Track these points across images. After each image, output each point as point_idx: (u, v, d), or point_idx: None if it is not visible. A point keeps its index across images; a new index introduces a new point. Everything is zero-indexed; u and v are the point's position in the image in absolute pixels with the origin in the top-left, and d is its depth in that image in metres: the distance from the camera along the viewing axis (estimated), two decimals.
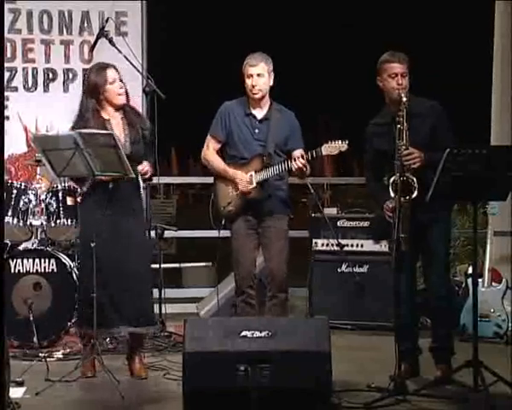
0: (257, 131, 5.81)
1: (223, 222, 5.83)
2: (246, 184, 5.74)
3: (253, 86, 5.72)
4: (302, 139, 5.88)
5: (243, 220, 5.81)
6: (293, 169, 5.65)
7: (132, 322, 5.47)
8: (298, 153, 5.75)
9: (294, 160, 5.62)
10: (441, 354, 5.48)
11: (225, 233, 5.94)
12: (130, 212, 5.50)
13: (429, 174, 4.94)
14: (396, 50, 5.45)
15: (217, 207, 5.87)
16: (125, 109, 5.57)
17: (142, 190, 5.67)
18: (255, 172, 5.75)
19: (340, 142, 5.61)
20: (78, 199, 6.10)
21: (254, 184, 5.75)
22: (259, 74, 5.72)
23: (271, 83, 5.80)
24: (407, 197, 5.14)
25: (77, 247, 6.17)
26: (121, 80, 5.52)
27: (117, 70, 5.53)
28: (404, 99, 5.21)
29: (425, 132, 5.33)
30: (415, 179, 5.15)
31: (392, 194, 5.20)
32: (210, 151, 5.90)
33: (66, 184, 6.40)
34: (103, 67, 5.52)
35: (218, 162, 5.89)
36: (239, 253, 5.83)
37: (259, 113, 5.83)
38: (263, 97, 5.80)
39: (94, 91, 5.48)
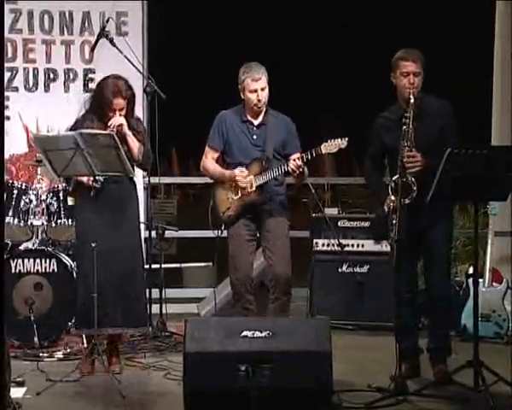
0: (255, 137, 5.84)
1: (222, 228, 5.85)
2: (246, 182, 5.75)
3: (259, 101, 5.75)
4: (299, 143, 5.90)
5: (242, 225, 5.83)
6: (290, 170, 5.67)
7: (123, 323, 5.51)
8: (295, 156, 5.79)
9: (291, 161, 5.65)
10: (440, 354, 5.48)
11: (224, 233, 5.95)
12: (123, 213, 5.54)
13: (430, 177, 4.93)
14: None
15: (216, 212, 5.88)
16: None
17: (137, 190, 5.71)
18: (254, 175, 5.77)
19: (339, 139, 5.63)
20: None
21: (254, 188, 5.77)
22: (263, 88, 5.75)
23: None
24: (407, 199, 5.14)
25: (74, 248, 6.16)
26: (121, 109, 5.51)
27: (124, 98, 5.50)
28: (412, 100, 5.21)
29: (434, 132, 5.32)
30: (414, 182, 5.15)
31: (392, 196, 5.21)
32: (208, 160, 5.93)
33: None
34: (113, 92, 5.48)
35: (215, 168, 5.92)
36: (236, 258, 5.84)
37: (256, 119, 5.86)
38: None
39: (99, 110, 5.53)
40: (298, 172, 5.65)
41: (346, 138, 5.62)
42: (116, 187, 5.50)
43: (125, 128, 5.49)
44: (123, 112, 5.53)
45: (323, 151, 5.65)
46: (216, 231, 5.89)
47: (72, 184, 5.63)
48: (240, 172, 5.77)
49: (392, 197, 5.23)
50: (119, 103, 5.50)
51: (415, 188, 5.15)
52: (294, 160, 5.65)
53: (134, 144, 5.53)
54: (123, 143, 5.40)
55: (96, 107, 5.56)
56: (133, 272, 5.56)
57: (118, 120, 5.47)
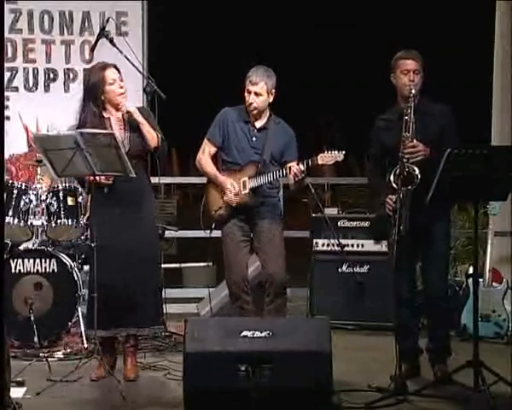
0: (254, 139, 5.85)
1: (213, 226, 5.86)
2: (233, 194, 5.77)
3: (250, 104, 5.78)
4: (297, 152, 5.91)
5: (234, 225, 5.84)
6: (292, 175, 5.65)
7: (139, 323, 5.48)
8: (293, 164, 5.81)
9: (290, 168, 5.65)
10: (439, 354, 5.48)
11: (217, 233, 5.96)
12: (139, 210, 5.48)
13: (432, 169, 4.91)
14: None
15: (207, 210, 5.89)
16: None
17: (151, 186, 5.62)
18: (249, 178, 5.78)
19: (336, 152, 5.67)
20: (80, 199, 6.18)
21: (247, 190, 5.78)
22: (257, 93, 5.76)
23: (271, 100, 5.83)
24: (409, 187, 5.14)
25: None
26: (121, 80, 5.51)
27: (117, 69, 5.51)
28: (413, 91, 5.24)
29: (434, 132, 5.33)
30: (417, 170, 5.14)
31: (393, 184, 5.19)
32: (204, 156, 5.94)
33: (67, 184, 6.41)
34: (102, 67, 5.50)
35: (209, 168, 5.92)
36: (231, 259, 5.84)
37: (258, 122, 5.87)
38: (260, 112, 5.84)
39: (93, 93, 5.46)
40: (300, 176, 5.65)
41: (343, 151, 5.66)
42: (131, 184, 5.39)
43: (136, 115, 5.42)
44: (122, 89, 5.44)
45: (320, 162, 5.70)
46: (207, 230, 5.90)
47: (87, 183, 5.54)
48: (231, 185, 5.78)
49: (394, 197, 5.22)
50: (114, 72, 5.45)
51: (417, 173, 5.13)
52: (297, 164, 5.66)
53: (149, 132, 5.43)
54: (136, 131, 5.38)
55: (90, 92, 5.46)
56: (149, 270, 5.51)
57: (129, 107, 5.42)
